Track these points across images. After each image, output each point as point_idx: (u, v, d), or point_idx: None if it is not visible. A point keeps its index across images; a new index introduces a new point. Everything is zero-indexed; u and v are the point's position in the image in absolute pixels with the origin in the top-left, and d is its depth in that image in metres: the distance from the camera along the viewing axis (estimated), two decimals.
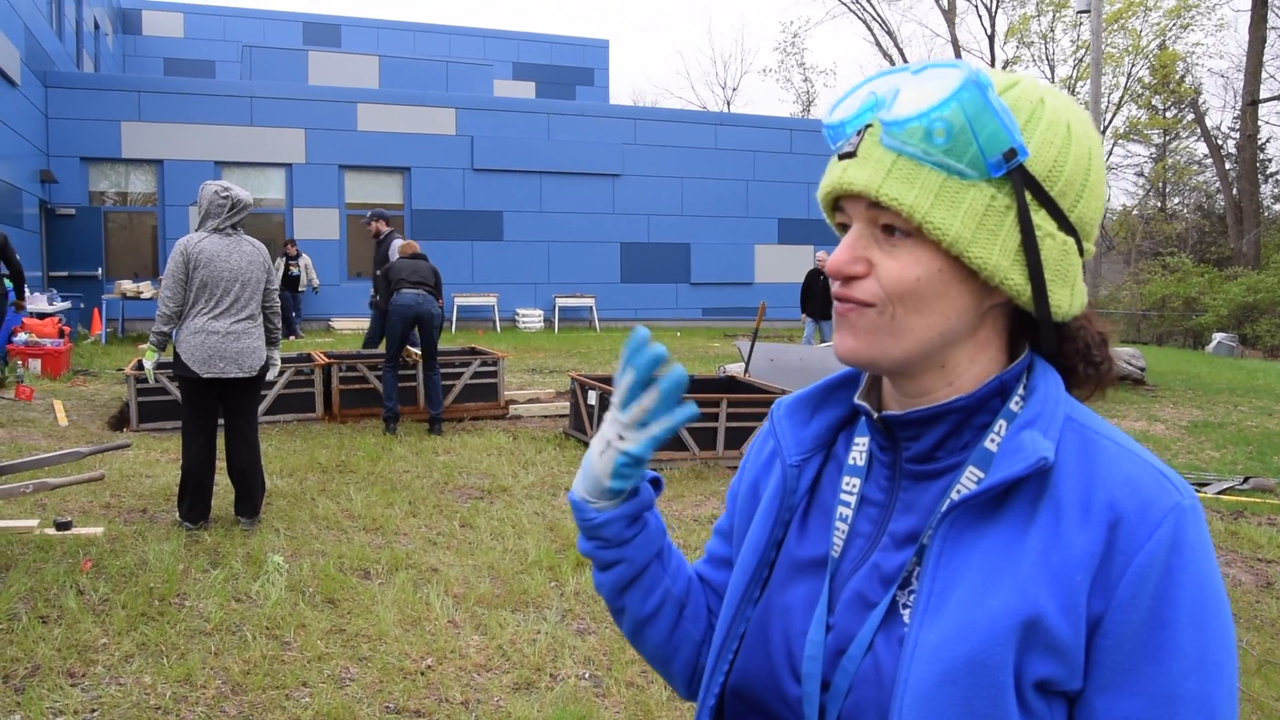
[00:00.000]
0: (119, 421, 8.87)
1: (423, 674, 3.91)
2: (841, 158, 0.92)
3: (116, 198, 19.94)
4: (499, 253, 21.85)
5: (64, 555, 5.06)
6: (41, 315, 12.87)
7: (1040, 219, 0.90)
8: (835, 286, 0.94)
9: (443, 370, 9.59)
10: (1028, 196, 0.89)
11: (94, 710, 3.49)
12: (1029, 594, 0.84)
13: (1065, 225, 0.91)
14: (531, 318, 21.37)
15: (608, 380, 8.79)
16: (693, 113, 27.31)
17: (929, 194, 0.88)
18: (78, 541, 5.28)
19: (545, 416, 10.13)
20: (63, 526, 5.39)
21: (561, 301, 21.93)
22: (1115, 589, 0.84)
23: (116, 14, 29.03)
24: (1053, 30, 35.00)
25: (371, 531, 5.80)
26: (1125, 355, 14.03)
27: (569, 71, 32.98)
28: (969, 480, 0.92)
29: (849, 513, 1.00)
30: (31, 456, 5.36)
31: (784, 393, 1.00)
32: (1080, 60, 33.66)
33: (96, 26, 25.64)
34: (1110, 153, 36.53)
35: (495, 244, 21.84)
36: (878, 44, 38.16)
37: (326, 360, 9.49)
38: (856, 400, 1.04)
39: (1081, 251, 0.94)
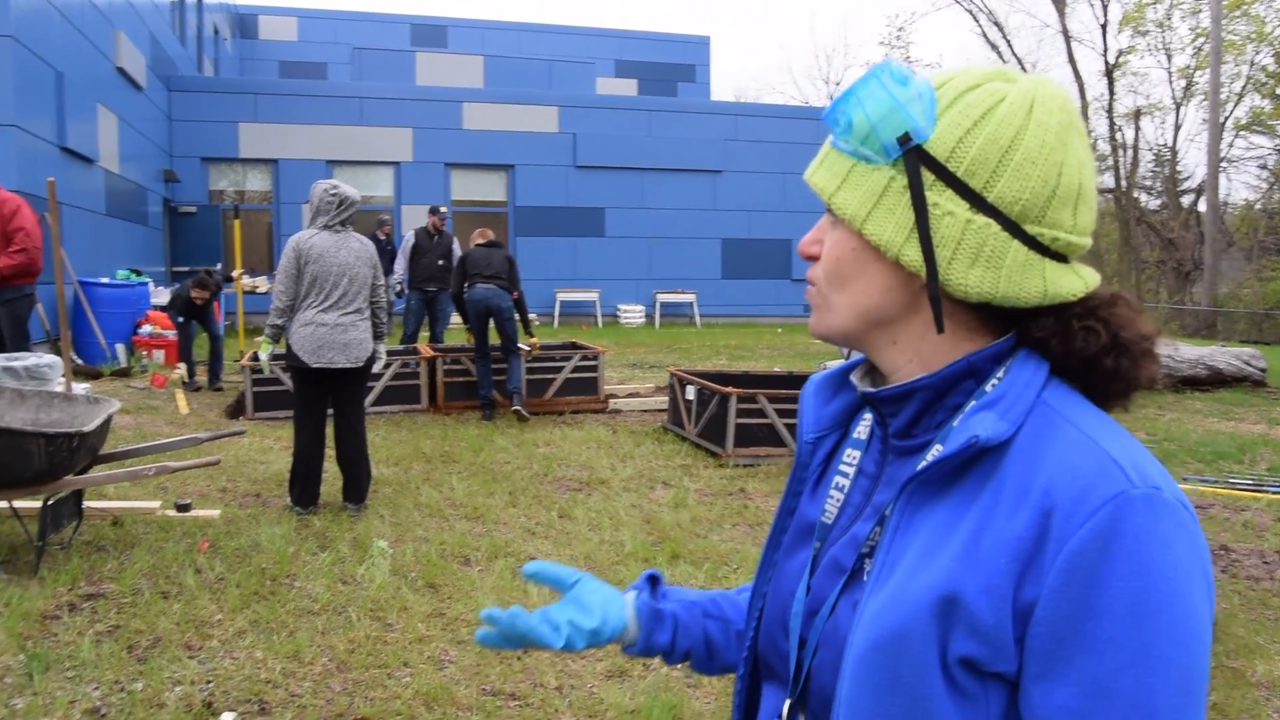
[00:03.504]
0: (236, 410, 9.22)
1: (519, 659, 3.99)
2: None
3: (235, 196, 20.69)
4: (601, 249, 22.04)
5: (183, 536, 5.31)
6: (164, 308, 13.44)
7: (943, 198, 0.91)
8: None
9: (543, 364, 9.76)
10: (930, 177, 0.91)
11: (209, 681, 3.66)
12: (952, 572, 0.86)
13: (981, 205, 0.91)
14: (633, 313, 21.49)
15: (706, 375, 8.82)
16: (794, 108, 27.13)
17: (838, 178, 0.96)
18: (196, 523, 5.54)
19: (644, 411, 10.20)
20: (182, 509, 5.66)
21: (662, 297, 22.00)
22: (1046, 577, 0.83)
23: (234, 19, 30.09)
24: (1169, 18, 33.70)
25: (472, 520, 5.93)
26: (1244, 356, 13.49)
27: (671, 68, 33.01)
28: (931, 457, 0.93)
29: (845, 483, 1.06)
30: (154, 442, 5.63)
31: None
32: (1199, 49, 32.38)
33: (216, 32, 26.62)
34: (1230, 145, 35.04)
35: (597, 240, 22.03)
36: (984, 36, 37.34)
37: (432, 353, 9.72)
38: (852, 378, 1.08)
39: (1024, 236, 0.92)
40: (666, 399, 9.40)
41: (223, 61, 27.59)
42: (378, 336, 6.13)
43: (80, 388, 7.30)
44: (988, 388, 0.94)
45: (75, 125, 12.72)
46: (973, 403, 0.94)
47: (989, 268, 0.91)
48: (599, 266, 21.98)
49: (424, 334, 12.38)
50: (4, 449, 4.41)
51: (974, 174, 0.90)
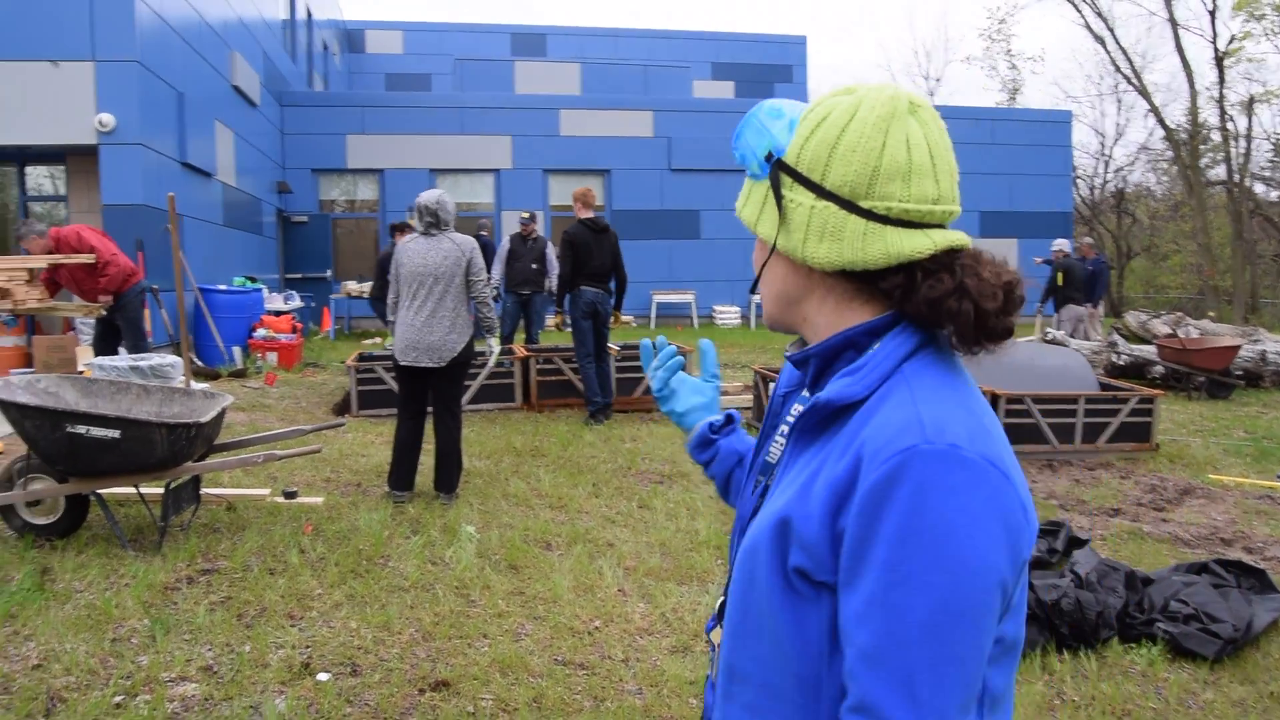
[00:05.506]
0: (342, 408, 9.73)
1: (590, 634, 4.29)
2: None
3: (344, 205, 21.53)
4: (697, 251, 22.28)
5: (289, 519, 5.76)
6: (278, 313, 14.18)
7: (796, 193, 1.16)
8: None
9: (633, 363, 10.03)
10: (789, 180, 1.17)
11: (308, 646, 4.04)
12: (791, 501, 1.11)
13: (821, 192, 1.14)
14: (728, 314, 21.69)
15: None
16: None
17: (744, 198, 1.25)
18: (301, 509, 6.00)
19: (731, 408, 10.37)
20: (289, 496, 6.12)
21: (758, 298, 22.12)
22: (851, 510, 1.03)
23: (343, 35, 31.18)
24: None
25: (556, 509, 6.25)
26: None
27: (768, 69, 33.03)
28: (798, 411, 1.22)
29: (787, 430, 1.31)
30: (263, 433, 6.10)
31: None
32: None
33: (325, 48, 27.67)
34: None
35: (693, 242, 22.28)
36: (1088, 28, 36.37)
37: (526, 353, 10.11)
38: (786, 347, 1.33)
39: (859, 210, 1.11)
40: (751, 396, 9.61)
41: (332, 76, 28.64)
42: (488, 330, 6.51)
43: (199, 387, 7.86)
44: (863, 358, 1.14)
45: (195, 142, 13.52)
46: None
47: (833, 240, 1.13)
48: (694, 268, 22.23)
49: (520, 335, 12.80)
50: (131, 438, 4.89)
51: (813, 169, 1.14)
